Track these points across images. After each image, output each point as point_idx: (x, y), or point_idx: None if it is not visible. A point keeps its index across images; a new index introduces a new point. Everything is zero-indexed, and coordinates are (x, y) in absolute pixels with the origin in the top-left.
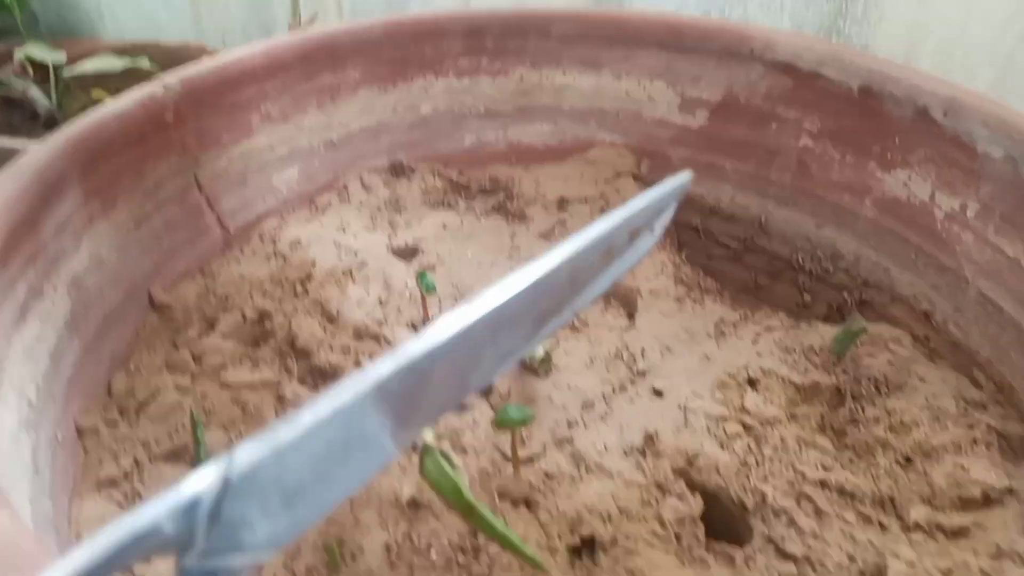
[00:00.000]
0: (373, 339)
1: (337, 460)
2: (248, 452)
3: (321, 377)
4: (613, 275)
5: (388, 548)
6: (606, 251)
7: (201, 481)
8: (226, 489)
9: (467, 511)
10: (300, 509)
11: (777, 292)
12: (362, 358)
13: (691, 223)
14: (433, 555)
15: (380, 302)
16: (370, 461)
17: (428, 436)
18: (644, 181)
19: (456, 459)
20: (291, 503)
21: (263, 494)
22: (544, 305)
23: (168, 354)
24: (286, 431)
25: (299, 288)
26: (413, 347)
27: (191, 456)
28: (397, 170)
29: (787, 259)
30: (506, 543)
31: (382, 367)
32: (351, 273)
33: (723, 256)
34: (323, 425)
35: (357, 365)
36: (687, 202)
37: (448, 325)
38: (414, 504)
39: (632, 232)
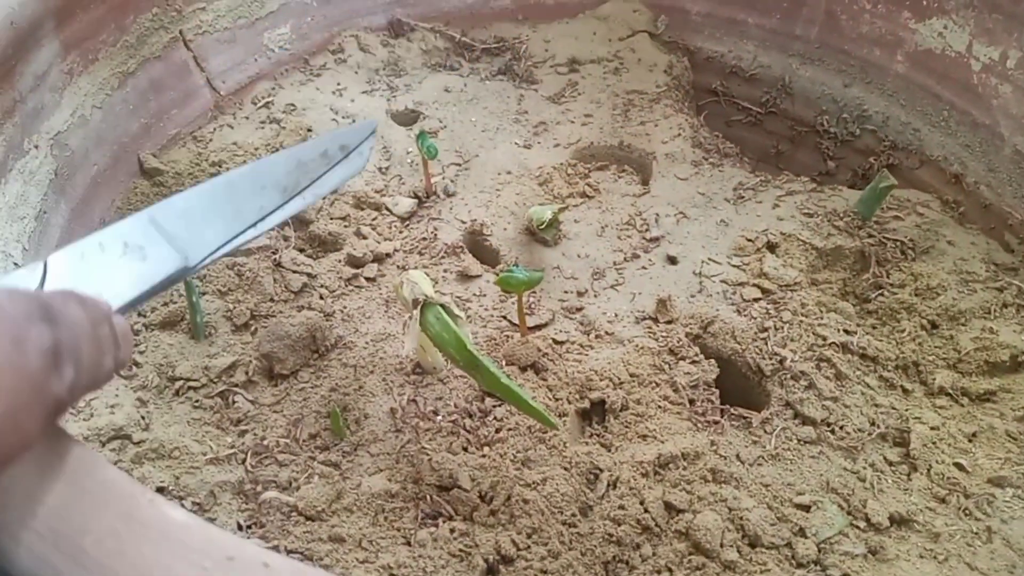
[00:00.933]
0: (374, 208)
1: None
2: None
3: (320, 245)
4: (334, 179)
5: (393, 413)
6: (323, 154)
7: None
8: None
9: (471, 365)
10: None
11: (799, 159)
12: (363, 227)
13: (710, 86)
14: (439, 419)
15: (380, 170)
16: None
17: (428, 290)
18: (661, 39)
19: (459, 311)
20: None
21: None
22: (285, 180)
23: None
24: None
25: None
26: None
27: (187, 323)
28: (396, 29)
29: (811, 123)
30: (512, 397)
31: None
32: None
33: (742, 122)
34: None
35: (358, 235)
36: (705, 63)
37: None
38: (419, 371)
39: (343, 148)
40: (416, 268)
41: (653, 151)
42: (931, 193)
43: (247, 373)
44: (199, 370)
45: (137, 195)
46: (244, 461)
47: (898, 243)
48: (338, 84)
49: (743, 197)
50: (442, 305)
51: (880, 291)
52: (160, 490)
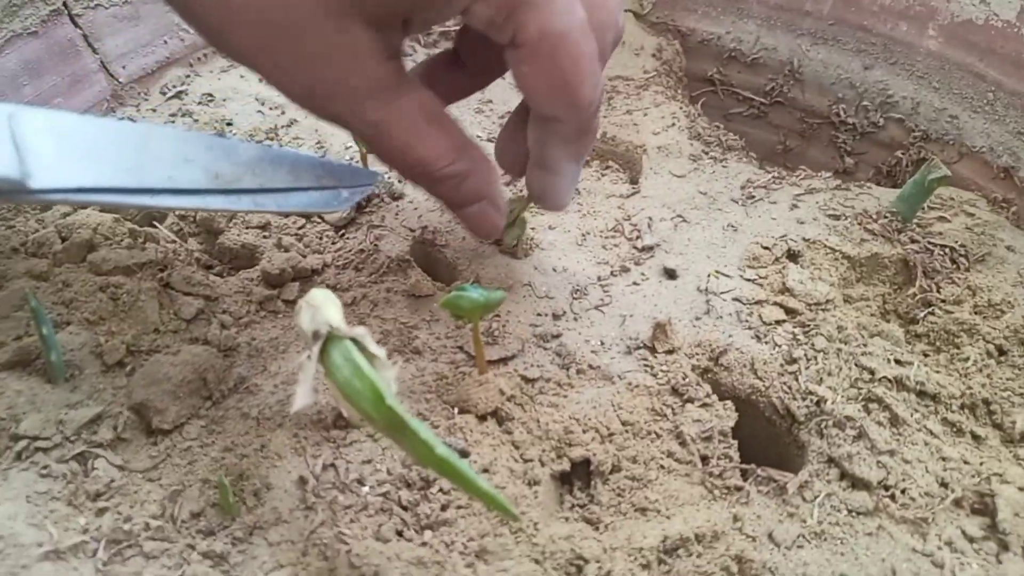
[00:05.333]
0: (301, 213)
1: None
2: None
3: (231, 259)
4: (292, 202)
5: (304, 483)
6: (291, 168)
7: None
8: None
9: (392, 426)
10: None
11: (811, 156)
12: (285, 237)
13: (705, 74)
14: (365, 492)
15: None
16: None
17: (335, 318)
18: (648, 20)
19: (378, 350)
20: None
21: None
22: (220, 167)
23: (29, 233)
24: None
25: None
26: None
27: (43, 363)
28: None
29: (824, 114)
30: (452, 474)
31: None
32: (276, 132)
33: (743, 115)
34: None
35: (280, 247)
36: (699, 48)
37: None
38: (343, 424)
39: (320, 178)
40: (350, 287)
41: (643, 143)
42: (974, 191)
43: (116, 428)
44: (52, 425)
45: (4, 202)
46: (95, 554)
47: (947, 250)
48: None
49: (753, 197)
50: (354, 339)
51: (930, 309)
52: None
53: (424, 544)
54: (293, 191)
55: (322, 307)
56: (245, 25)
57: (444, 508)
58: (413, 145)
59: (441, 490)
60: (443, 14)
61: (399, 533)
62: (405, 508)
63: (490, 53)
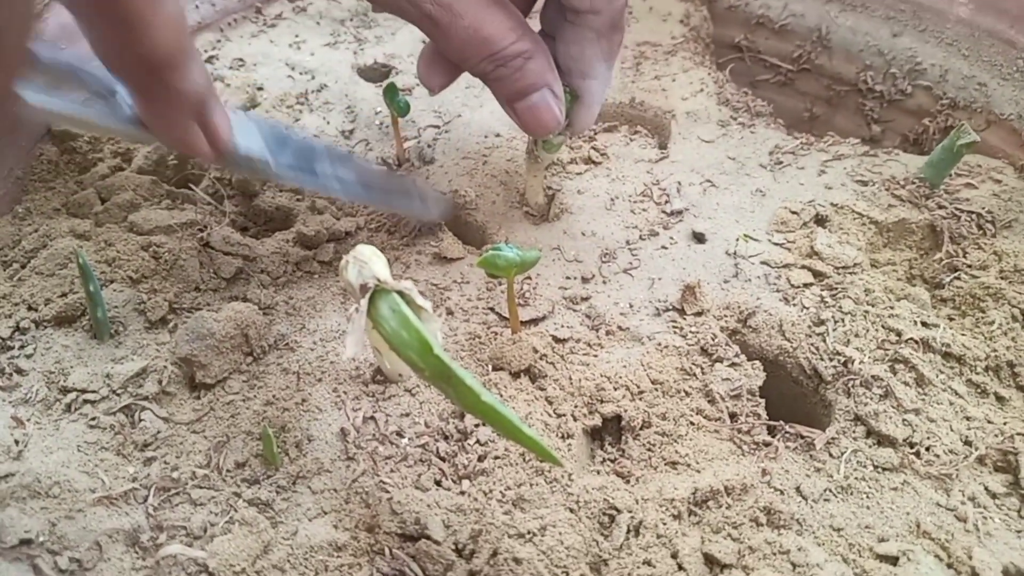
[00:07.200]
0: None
1: None
2: None
3: (266, 221)
4: (379, 199)
5: (345, 435)
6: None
7: None
8: None
9: (439, 375)
10: None
11: (837, 124)
12: (319, 201)
13: (732, 40)
14: (405, 443)
15: (343, 133)
16: None
17: (383, 271)
18: None
19: (424, 302)
20: None
21: None
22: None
23: (69, 194)
24: None
25: None
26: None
27: (89, 319)
28: None
29: (852, 81)
30: (498, 421)
31: None
32: (306, 97)
33: (770, 82)
34: None
35: (313, 209)
36: (726, 14)
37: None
38: (380, 379)
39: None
40: (382, 250)
41: (671, 109)
42: (1001, 158)
43: (160, 382)
44: (99, 379)
45: (43, 164)
46: (146, 500)
47: (974, 215)
48: (296, 36)
49: (781, 162)
50: (400, 292)
51: (956, 274)
52: (26, 542)
53: (463, 493)
54: (392, 197)
55: (369, 261)
56: None
57: (481, 459)
58: (481, 22)
59: (478, 442)
60: None
61: (438, 483)
62: (443, 459)
63: None
